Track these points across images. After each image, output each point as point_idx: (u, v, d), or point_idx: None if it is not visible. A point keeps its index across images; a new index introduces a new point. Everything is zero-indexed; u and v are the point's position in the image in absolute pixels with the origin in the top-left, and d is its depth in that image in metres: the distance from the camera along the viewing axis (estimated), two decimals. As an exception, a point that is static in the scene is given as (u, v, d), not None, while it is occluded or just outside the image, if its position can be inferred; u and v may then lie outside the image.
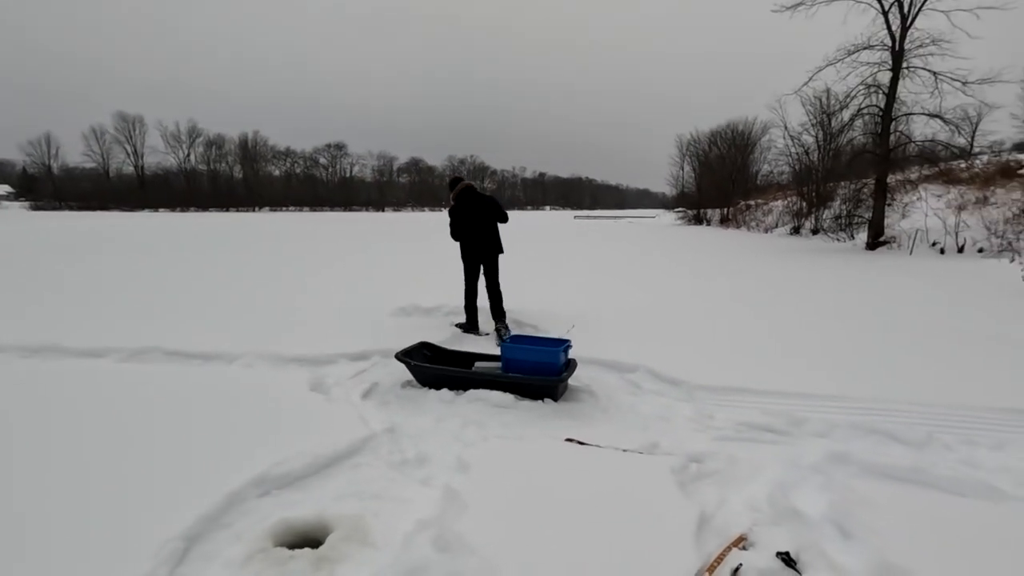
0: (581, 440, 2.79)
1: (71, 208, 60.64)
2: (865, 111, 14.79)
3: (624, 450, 2.69)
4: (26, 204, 65.18)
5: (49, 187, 69.10)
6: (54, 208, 60.59)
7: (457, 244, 5.37)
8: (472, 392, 3.49)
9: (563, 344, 3.65)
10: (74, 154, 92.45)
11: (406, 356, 3.81)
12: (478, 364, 3.82)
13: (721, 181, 36.04)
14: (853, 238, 17.58)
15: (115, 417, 3.11)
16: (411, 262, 11.11)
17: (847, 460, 2.65)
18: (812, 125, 25.03)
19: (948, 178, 16.90)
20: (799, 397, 3.54)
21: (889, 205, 15.71)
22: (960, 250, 12.98)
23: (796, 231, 23.70)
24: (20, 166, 74.59)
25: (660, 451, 2.77)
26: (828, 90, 24.06)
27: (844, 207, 20.15)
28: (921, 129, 15.68)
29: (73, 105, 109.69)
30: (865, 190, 16.56)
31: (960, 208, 14.00)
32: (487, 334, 5.44)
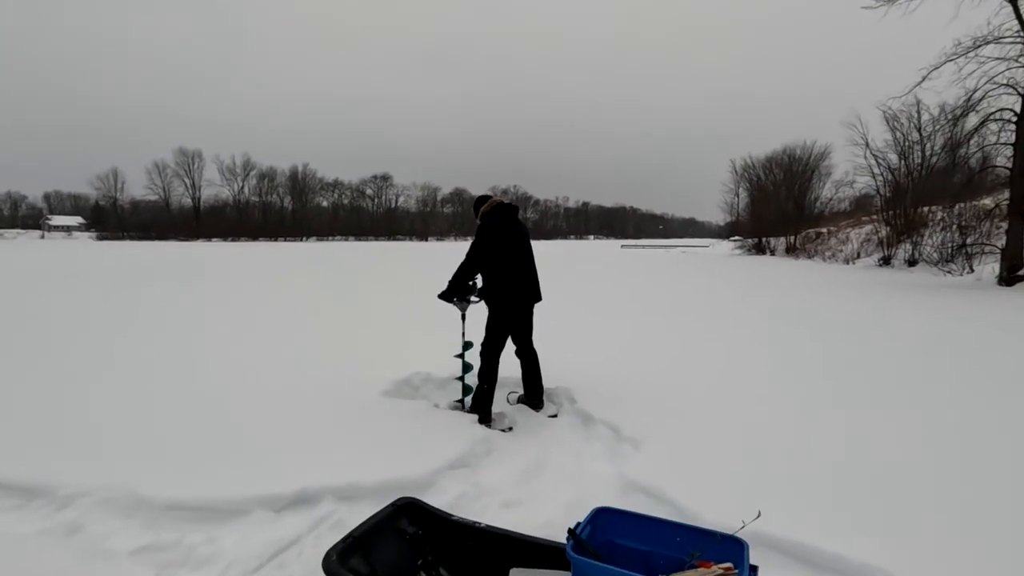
0: None
1: (132, 238, 63.23)
2: (997, 116, 12.04)
3: None
4: (94, 234, 68.86)
5: (114, 218, 72.79)
6: (117, 238, 63.36)
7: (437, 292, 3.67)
8: None
9: (740, 559, 1.46)
10: (139, 187, 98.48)
11: (358, 546, 1.73)
12: (514, 574, 1.66)
13: (782, 208, 32.93)
14: (972, 271, 14.53)
15: None
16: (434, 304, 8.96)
17: None
18: (899, 142, 22.12)
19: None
20: None
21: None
22: None
23: (886, 262, 20.49)
24: (93, 200, 79.50)
25: None
26: (919, 102, 21.30)
27: (948, 234, 17.09)
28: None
29: (139, 141, 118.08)
30: (996, 211, 13.59)
31: None
32: (504, 424, 3.47)
